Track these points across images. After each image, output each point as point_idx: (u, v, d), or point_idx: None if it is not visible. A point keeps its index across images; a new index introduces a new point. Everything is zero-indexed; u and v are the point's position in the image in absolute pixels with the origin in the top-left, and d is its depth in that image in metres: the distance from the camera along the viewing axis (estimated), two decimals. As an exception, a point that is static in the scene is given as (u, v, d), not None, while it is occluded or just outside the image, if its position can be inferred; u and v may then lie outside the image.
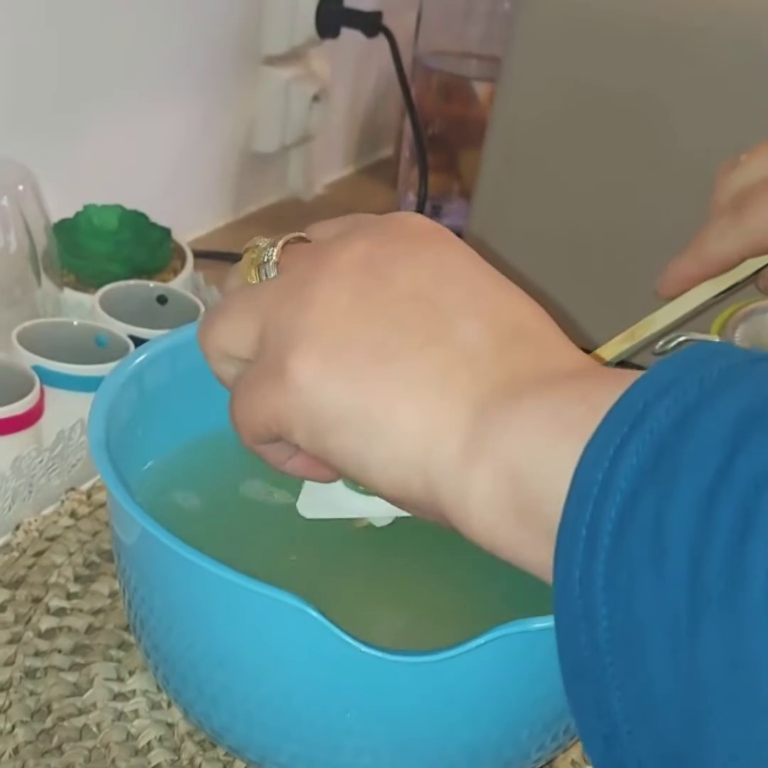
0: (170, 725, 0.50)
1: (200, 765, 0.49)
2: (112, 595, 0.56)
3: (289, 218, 1.04)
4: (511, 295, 0.38)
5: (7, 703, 0.50)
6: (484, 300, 0.37)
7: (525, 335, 0.36)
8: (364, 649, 0.38)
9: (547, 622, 0.39)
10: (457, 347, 0.35)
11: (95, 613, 0.55)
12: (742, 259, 0.54)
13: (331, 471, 0.40)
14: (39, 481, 0.61)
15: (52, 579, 0.57)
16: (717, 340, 0.62)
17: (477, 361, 0.35)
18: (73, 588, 0.57)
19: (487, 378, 0.35)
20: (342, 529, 0.48)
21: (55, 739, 0.49)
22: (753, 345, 0.63)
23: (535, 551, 0.33)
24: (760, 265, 0.54)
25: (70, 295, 0.75)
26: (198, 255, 0.84)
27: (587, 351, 0.53)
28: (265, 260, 0.40)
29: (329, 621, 0.38)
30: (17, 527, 0.59)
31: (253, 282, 0.40)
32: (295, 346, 0.36)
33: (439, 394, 0.35)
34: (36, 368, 0.63)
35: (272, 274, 0.40)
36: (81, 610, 0.55)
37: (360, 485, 0.39)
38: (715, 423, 0.29)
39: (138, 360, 0.51)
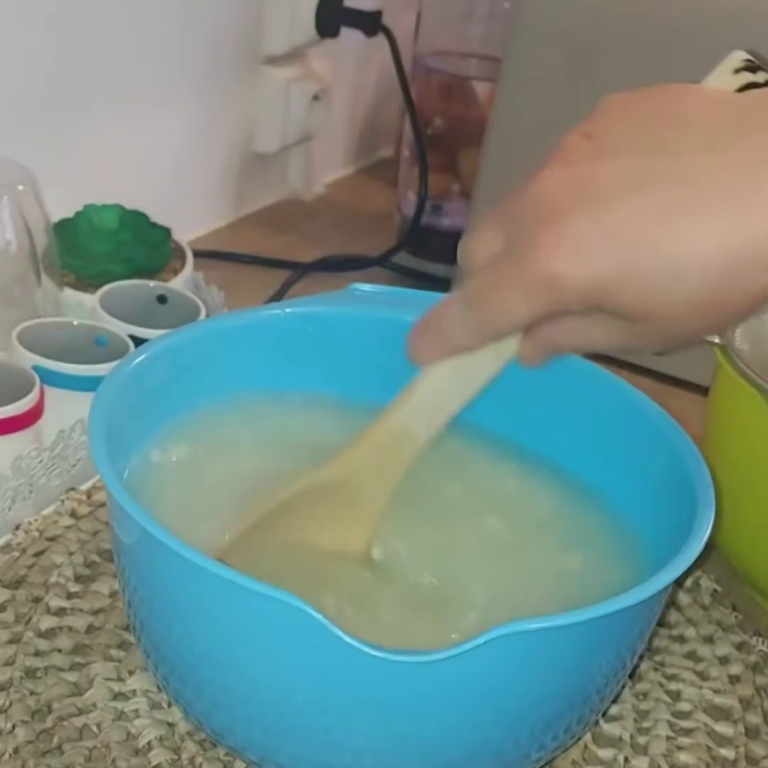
0: (170, 725, 0.50)
1: (201, 765, 0.49)
2: (113, 594, 0.56)
3: (290, 218, 1.04)
4: None
5: (7, 703, 0.50)
6: None
7: None
8: (364, 649, 0.38)
9: (547, 622, 0.39)
10: None
11: (95, 612, 0.55)
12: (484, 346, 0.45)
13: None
14: (39, 481, 0.61)
15: (53, 579, 0.57)
16: (716, 339, 0.62)
17: None
18: (74, 588, 0.57)
19: None
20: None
21: (56, 739, 0.49)
22: (753, 345, 0.63)
23: None
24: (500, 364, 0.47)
25: (70, 295, 0.75)
26: (198, 255, 0.84)
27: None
28: None
29: (329, 621, 0.38)
30: (17, 527, 0.59)
31: None
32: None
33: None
34: (36, 368, 0.63)
35: None
36: (81, 610, 0.55)
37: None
38: None
39: (138, 360, 0.51)
